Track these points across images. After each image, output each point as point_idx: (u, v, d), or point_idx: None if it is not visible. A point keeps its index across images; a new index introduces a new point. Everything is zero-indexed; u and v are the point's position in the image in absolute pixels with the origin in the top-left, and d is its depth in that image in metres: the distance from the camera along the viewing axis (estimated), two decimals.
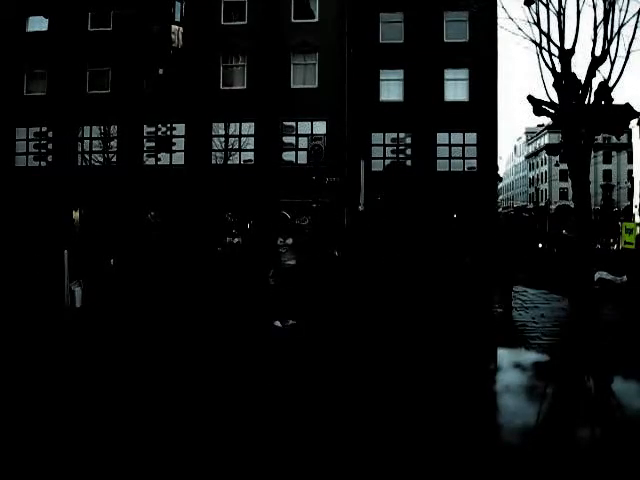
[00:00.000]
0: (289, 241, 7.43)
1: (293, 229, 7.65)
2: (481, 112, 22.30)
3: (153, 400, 4.64)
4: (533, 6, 13.74)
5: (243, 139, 22.40)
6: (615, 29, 13.23)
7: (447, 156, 22.86)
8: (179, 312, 8.78)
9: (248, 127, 22.38)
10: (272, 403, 4.57)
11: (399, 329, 7.86)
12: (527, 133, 78.45)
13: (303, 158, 22.11)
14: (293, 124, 22.25)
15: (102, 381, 5.15)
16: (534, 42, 13.78)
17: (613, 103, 13.59)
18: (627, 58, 13.38)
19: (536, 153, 71.55)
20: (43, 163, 23.28)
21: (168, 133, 22.80)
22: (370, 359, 6.15)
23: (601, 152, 57.49)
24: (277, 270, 7.32)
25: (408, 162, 23.16)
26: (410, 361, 6.11)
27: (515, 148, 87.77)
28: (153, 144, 22.89)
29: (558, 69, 13.51)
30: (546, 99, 13.85)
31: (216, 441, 3.79)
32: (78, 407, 4.43)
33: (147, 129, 22.90)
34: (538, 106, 13.96)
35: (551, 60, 13.61)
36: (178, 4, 22.18)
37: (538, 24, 13.68)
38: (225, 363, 5.90)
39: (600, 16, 13.33)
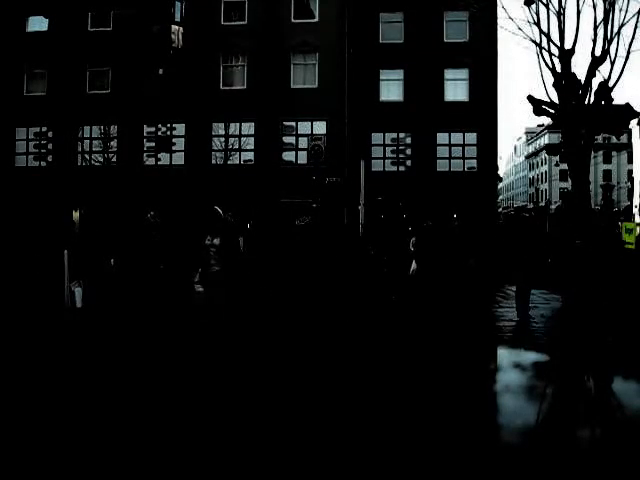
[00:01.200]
0: (216, 241, 6.32)
1: (224, 227, 6.59)
2: (481, 112, 22.30)
3: (150, 399, 4.64)
4: (533, 6, 13.76)
5: (243, 139, 22.41)
6: (615, 29, 13.27)
7: (447, 156, 22.86)
8: (177, 312, 8.77)
9: (248, 127, 22.39)
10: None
11: (398, 331, 7.86)
12: (527, 133, 78.48)
13: (303, 158, 22.12)
14: (293, 124, 22.26)
15: (101, 382, 5.15)
16: (534, 42, 13.80)
17: (613, 103, 13.60)
18: (627, 58, 13.41)
19: (536, 153, 71.57)
20: (43, 163, 23.29)
21: (168, 133, 22.81)
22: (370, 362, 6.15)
23: (601, 152, 57.50)
24: (204, 275, 6.21)
25: (408, 162, 23.17)
26: (410, 361, 6.11)
27: (515, 148, 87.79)
28: (153, 144, 22.91)
29: (558, 69, 13.53)
30: (546, 99, 13.87)
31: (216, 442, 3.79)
32: (77, 406, 4.43)
33: (147, 129, 22.91)
34: (538, 106, 13.98)
35: (551, 60, 13.64)
36: (178, 4, 22.19)
37: (538, 24, 13.70)
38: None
39: (600, 16, 13.36)
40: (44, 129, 23.23)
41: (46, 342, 6.72)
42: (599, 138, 44.68)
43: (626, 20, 13.29)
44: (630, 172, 45.35)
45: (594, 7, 13.37)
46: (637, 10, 13.53)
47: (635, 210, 36.49)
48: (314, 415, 4.31)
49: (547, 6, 13.65)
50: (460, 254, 11.49)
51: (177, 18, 22.17)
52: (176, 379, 5.23)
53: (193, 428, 3.98)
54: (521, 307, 8.64)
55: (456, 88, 22.83)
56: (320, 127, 22.07)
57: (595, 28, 13.37)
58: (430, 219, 11.63)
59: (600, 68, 13.38)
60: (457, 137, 22.76)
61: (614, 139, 50.44)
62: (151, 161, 22.85)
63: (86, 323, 7.89)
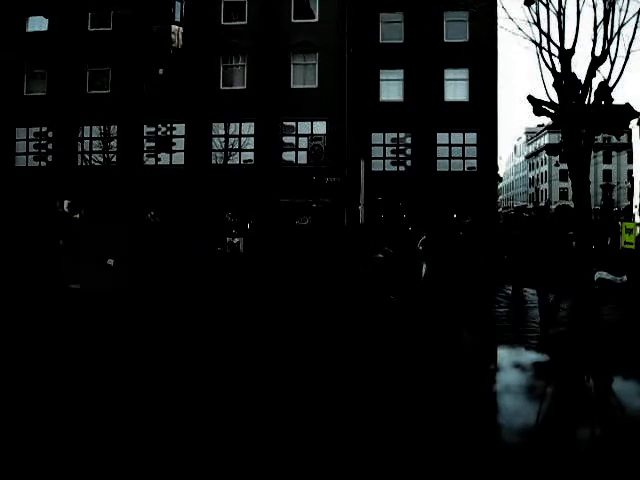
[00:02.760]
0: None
1: (70, 229, 5.42)
2: (481, 112, 22.30)
3: (141, 397, 4.63)
4: (533, 6, 13.75)
5: (243, 139, 22.41)
6: (615, 29, 13.25)
7: (447, 156, 22.86)
8: (176, 312, 8.77)
9: (248, 127, 22.39)
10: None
11: (395, 331, 7.85)
12: (527, 133, 78.48)
13: (303, 158, 22.12)
14: (293, 124, 22.26)
15: (92, 379, 5.15)
16: (534, 42, 13.79)
17: (613, 103, 13.60)
18: (627, 58, 13.39)
19: (536, 153, 71.57)
20: (43, 163, 23.30)
21: (168, 133, 22.81)
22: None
23: (601, 152, 57.48)
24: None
25: (408, 162, 23.17)
26: (406, 363, 6.11)
27: (515, 148, 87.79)
28: (153, 144, 22.91)
29: (558, 69, 13.52)
30: (546, 99, 13.86)
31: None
32: (63, 403, 4.42)
33: (147, 129, 22.92)
34: (538, 106, 13.97)
35: (551, 60, 13.63)
36: (178, 4, 22.20)
37: (538, 24, 13.68)
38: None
39: (600, 16, 13.35)
40: (44, 129, 23.23)
41: (40, 342, 6.71)
42: (599, 138, 44.68)
43: (626, 20, 13.28)
44: (630, 172, 45.30)
45: (594, 7, 13.36)
46: (637, 10, 13.49)
47: (635, 210, 36.46)
48: (309, 420, 4.31)
49: (547, 6, 13.64)
50: (472, 253, 11.27)
51: (177, 18, 22.19)
52: (167, 378, 5.22)
53: (187, 429, 3.99)
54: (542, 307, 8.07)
55: (456, 88, 22.83)
56: (320, 127, 22.07)
57: (595, 28, 13.37)
58: (440, 218, 11.45)
59: (600, 68, 13.38)
60: (457, 137, 22.77)
61: (614, 139, 50.45)
62: (151, 161, 22.85)
63: (82, 323, 7.88)
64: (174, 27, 21.89)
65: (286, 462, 3.45)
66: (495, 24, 18.71)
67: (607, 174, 60.91)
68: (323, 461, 3.48)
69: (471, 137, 22.72)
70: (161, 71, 22.41)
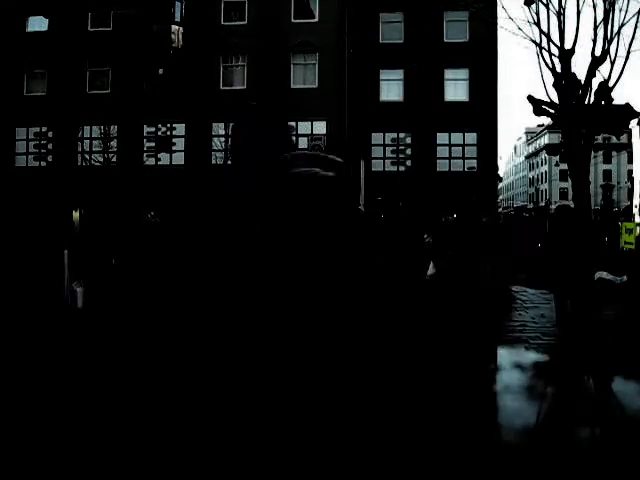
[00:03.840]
0: None
1: None
2: (481, 112, 22.31)
3: (147, 401, 4.63)
4: (533, 6, 13.80)
5: None
6: (615, 29, 13.32)
7: (447, 156, 22.87)
8: (178, 312, 8.76)
9: None
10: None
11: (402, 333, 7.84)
12: (527, 133, 78.54)
13: None
14: (293, 124, 22.27)
15: (98, 382, 5.15)
16: (534, 42, 13.84)
17: (613, 103, 13.63)
18: (627, 58, 13.46)
19: (536, 153, 71.62)
20: (43, 163, 23.31)
21: (168, 133, 22.82)
22: None
23: (601, 152, 57.50)
24: None
25: (408, 162, 23.18)
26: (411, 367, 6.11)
27: (515, 148, 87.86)
28: (153, 144, 22.93)
29: (558, 69, 13.56)
30: (546, 99, 13.89)
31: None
32: (74, 406, 4.43)
33: (147, 129, 22.93)
34: (538, 106, 14.00)
35: (551, 60, 13.68)
36: (178, 4, 22.21)
37: (538, 24, 13.73)
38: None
39: (600, 16, 13.41)
40: (44, 129, 23.25)
41: (45, 342, 6.71)
42: (599, 138, 44.65)
43: (626, 20, 13.36)
44: (630, 172, 45.31)
45: (594, 7, 13.42)
46: (637, 10, 13.56)
47: (635, 210, 36.47)
48: (308, 414, 4.31)
49: (547, 6, 13.69)
50: (491, 254, 11.02)
51: (177, 18, 22.21)
52: (174, 381, 5.22)
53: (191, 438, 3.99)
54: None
55: (456, 88, 22.85)
56: (320, 127, 22.09)
57: (595, 28, 13.42)
58: (450, 214, 11.33)
59: (600, 68, 13.42)
60: (457, 137, 22.77)
61: (614, 139, 50.45)
62: (151, 161, 22.86)
63: (86, 323, 7.89)
64: (174, 27, 21.91)
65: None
66: (495, 24, 18.75)
67: (607, 174, 60.95)
68: (314, 459, 3.48)
69: (471, 137, 22.73)
70: (161, 71, 22.44)
